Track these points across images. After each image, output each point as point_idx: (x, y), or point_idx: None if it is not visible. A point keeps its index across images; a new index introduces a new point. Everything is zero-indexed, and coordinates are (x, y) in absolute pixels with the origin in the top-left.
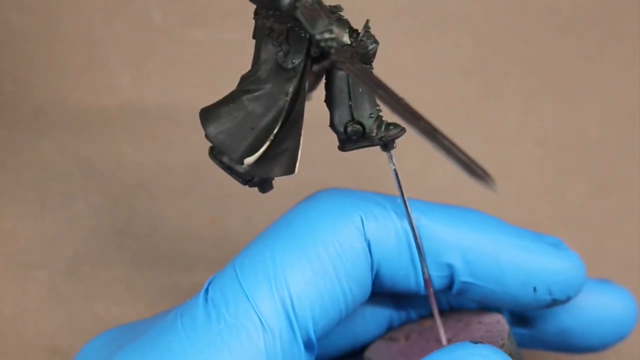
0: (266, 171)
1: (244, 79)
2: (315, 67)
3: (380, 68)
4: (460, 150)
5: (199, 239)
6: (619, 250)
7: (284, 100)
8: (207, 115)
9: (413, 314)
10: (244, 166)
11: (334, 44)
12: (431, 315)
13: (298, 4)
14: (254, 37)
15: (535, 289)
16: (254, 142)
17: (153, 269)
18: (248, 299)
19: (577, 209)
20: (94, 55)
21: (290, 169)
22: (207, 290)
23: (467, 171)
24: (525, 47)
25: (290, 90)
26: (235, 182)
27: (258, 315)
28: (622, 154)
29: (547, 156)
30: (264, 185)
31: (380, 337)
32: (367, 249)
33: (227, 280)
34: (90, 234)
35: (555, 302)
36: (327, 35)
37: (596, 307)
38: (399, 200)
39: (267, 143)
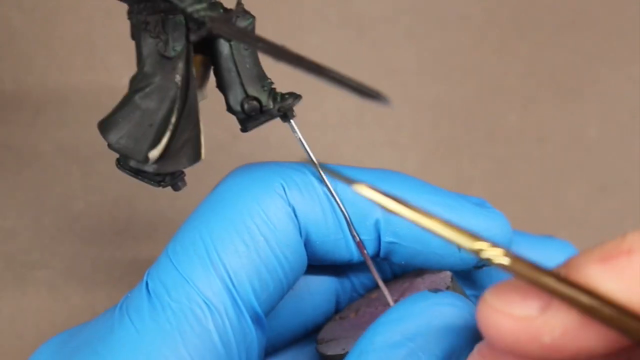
0: (174, 165)
1: (132, 80)
2: (193, 37)
3: (381, 68)
4: (348, 78)
5: None
6: None
7: (175, 90)
8: (105, 125)
9: (357, 283)
10: (150, 163)
11: (208, 13)
12: (377, 286)
13: None
14: (132, 38)
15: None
16: (154, 137)
17: None
18: (187, 282)
19: (577, 209)
20: (94, 56)
21: (196, 157)
22: (147, 283)
23: (360, 94)
24: (525, 47)
25: (178, 78)
26: None
27: (201, 297)
28: (622, 154)
29: (547, 156)
30: (177, 183)
31: (330, 319)
32: (292, 214)
33: (163, 268)
34: (90, 234)
35: (482, 263)
36: (197, 6)
37: (541, 262)
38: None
39: (168, 134)
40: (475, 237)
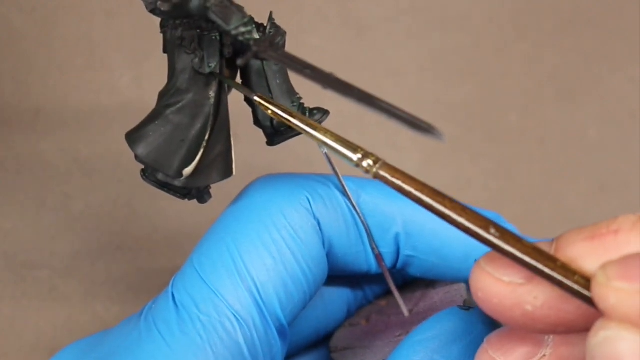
0: (204, 180)
1: (163, 94)
2: (240, 61)
3: (381, 68)
4: (399, 110)
5: (199, 239)
6: None
7: (209, 106)
8: (134, 137)
9: (369, 292)
10: (182, 178)
11: (253, 36)
12: (386, 294)
13: (209, 4)
14: (165, 52)
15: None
16: (187, 153)
17: (153, 269)
18: (216, 294)
19: (576, 208)
20: (94, 55)
21: (227, 172)
22: (173, 294)
23: (411, 127)
24: (525, 47)
25: (212, 94)
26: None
27: (230, 310)
28: (621, 154)
29: (547, 156)
30: (203, 196)
31: (340, 326)
32: (317, 227)
33: (190, 279)
34: (90, 234)
35: None
36: (243, 29)
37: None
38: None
39: (202, 151)
40: (357, 147)
